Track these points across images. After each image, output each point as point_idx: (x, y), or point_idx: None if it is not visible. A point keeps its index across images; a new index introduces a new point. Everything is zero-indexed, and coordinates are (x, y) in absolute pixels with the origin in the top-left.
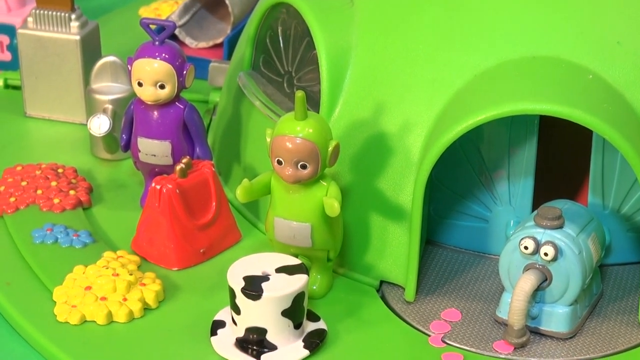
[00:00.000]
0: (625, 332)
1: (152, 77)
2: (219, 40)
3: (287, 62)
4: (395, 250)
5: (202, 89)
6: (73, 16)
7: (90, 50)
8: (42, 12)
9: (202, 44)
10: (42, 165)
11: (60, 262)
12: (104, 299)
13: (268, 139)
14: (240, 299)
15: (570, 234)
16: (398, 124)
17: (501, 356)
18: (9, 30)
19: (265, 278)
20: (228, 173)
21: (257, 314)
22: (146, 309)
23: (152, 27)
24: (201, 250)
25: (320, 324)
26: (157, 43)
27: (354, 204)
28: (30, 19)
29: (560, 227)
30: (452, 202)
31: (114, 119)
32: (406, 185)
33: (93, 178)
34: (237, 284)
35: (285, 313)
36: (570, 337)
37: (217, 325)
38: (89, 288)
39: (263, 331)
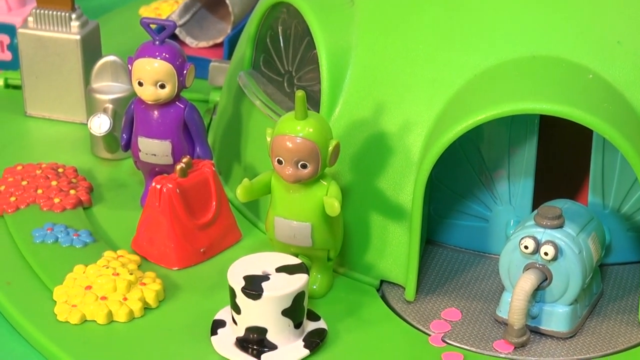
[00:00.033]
0: (625, 331)
1: (152, 76)
2: (219, 40)
3: (288, 62)
4: (396, 249)
5: (202, 88)
6: (73, 16)
7: (91, 49)
8: (42, 11)
9: (203, 44)
10: (42, 164)
11: (60, 262)
12: (104, 298)
13: (268, 139)
14: (241, 299)
15: (571, 234)
16: (398, 123)
17: (501, 355)
18: (10, 30)
19: (266, 277)
20: (228, 172)
21: (258, 313)
22: (146, 308)
23: (153, 26)
24: (201, 250)
25: (321, 324)
26: (157, 43)
27: (354, 203)
28: (30, 19)
29: (561, 226)
30: (452, 202)
31: (115, 119)
32: (406, 185)
33: (93, 177)
34: (238, 284)
35: (286, 312)
36: (571, 337)
37: (218, 324)
38: (89, 287)
39: (263, 331)
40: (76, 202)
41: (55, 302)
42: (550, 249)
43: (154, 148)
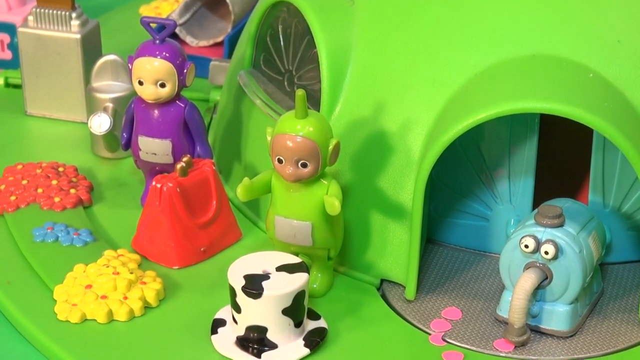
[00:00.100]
0: (625, 330)
1: (152, 75)
2: (220, 39)
3: (288, 61)
4: (396, 248)
5: (202, 87)
6: (74, 15)
7: (91, 48)
8: (42, 10)
9: (203, 43)
10: (42, 163)
11: (60, 261)
12: (104, 297)
13: (268, 138)
14: (241, 298)
15: (571, 233)
16: (398, 122)
17: (502, 355)
18: (10, 29)
19: (266, 276)
20: (228, 171)
21: (258, 312)
22: (147, 307)
23: (153, 25)
24: (202, 249)
25: (321, 323)
26: (157, 42)
27: (355, 202)
28: (30, 18)
29: (561, 225)
30: (453, 201)
31: (115, 118)
32: (407, 184)
33: (94, 177)
34: (238, 283)
35: (286, 311)
36: (571, 336)
37: (218, 323)
38: (89, 287)
39: (264, 330)
40: (76, 201)
41: (56, 301)
42: (550, 248)
43: (155, 147)
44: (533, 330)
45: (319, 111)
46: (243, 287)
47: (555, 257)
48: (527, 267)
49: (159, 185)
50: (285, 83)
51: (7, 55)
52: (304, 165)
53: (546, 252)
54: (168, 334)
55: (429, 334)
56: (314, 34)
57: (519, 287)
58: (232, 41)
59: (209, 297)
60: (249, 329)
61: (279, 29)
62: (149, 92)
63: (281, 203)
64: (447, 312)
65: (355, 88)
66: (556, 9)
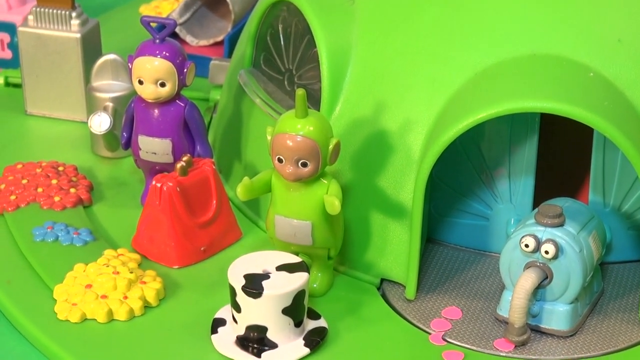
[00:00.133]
0: (625, 330)
1: (152, 75)
2: (220, 38)
3: (288, 60)
4: (396, 248)
5: (202, 86)
6: (74, 14)
7: (91, 48)
8: (42, 9)
9: (203, 42)
10: (42, 163)
11: (60, 260)
12: (104, 297)
13: (269, 137)
14: (241, 297)
15: (571, 232)
16: (398, 122)
17: (502, 354)
18: (10, 28)
19: (266, 276)
20: (229, 171)
21: (258, 312)
22: (147, 307)
23: (153, 25)
24: (202, 248)
25: (321, 322)
26: (157, 41)
27: (355, 202)
28: (30, 17)
29: (561, 225)
30: (453, 200)
31: (115, 117)
32: (407, 183)
33: (94, 176)
34: (238, 282)
35: (286, 311)
36: (571, 335)
37: (218, 323)
38: (89, 286)
39: (264, 329)
40: (76, 201)
41: (56, 300)
42: (550, 248)
43: (155, 146)
44: (533, 330)
45: (319, 110)
46: (243, 286)
47: (555, 257)
48: (528, 266)
49: (159, 185)
50: (286, 82)
51: (7, 54)
52: (304, 165)
53: (546, 252)
54: (168, 334)
55: (429, 334)
56: (314, 34)
57: (519, 287)
58: (232, 40)
59: (209, 296)
60: (249, 328)
61: (279, 28)
62: (149, 92)
63: (281, 202)
64: (447, 311)
65: (355, 87)
66: (556, 8)
